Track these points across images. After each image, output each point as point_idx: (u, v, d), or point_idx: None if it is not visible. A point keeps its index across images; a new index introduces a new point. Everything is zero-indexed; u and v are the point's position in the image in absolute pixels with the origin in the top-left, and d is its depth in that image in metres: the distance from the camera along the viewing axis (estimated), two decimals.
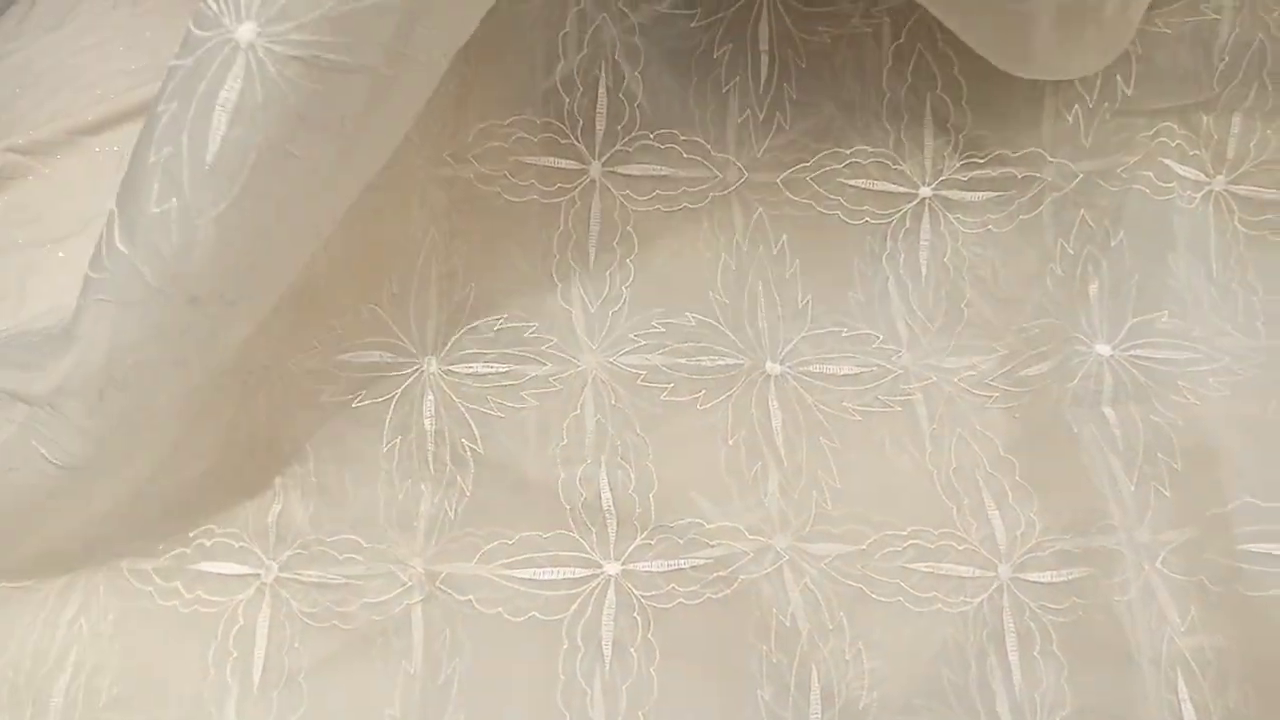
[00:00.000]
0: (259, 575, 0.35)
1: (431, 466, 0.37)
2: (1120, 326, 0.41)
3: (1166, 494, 0.38)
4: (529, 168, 0.41)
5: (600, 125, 0.41)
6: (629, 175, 0.41)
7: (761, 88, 0.42)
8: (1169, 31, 0.41)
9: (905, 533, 0.37)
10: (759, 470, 0.38)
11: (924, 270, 0.42)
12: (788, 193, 0.42)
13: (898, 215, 0.43)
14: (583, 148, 0.41)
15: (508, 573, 0.36)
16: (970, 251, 0.42)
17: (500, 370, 0.39)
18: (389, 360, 0.38)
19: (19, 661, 0.34)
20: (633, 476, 0.38)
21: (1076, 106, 0.43)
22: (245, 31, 0.26)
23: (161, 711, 0.34)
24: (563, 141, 0.41)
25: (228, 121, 0.27)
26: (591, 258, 0.41)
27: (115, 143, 0.44)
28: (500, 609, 0.35)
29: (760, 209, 0.42)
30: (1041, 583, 0.37)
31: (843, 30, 0.43)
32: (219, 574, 0.35)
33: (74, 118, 0.49)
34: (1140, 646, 0.36)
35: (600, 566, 0.36)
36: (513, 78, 0.41)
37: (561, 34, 0.41)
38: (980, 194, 0.43)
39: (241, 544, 0.36)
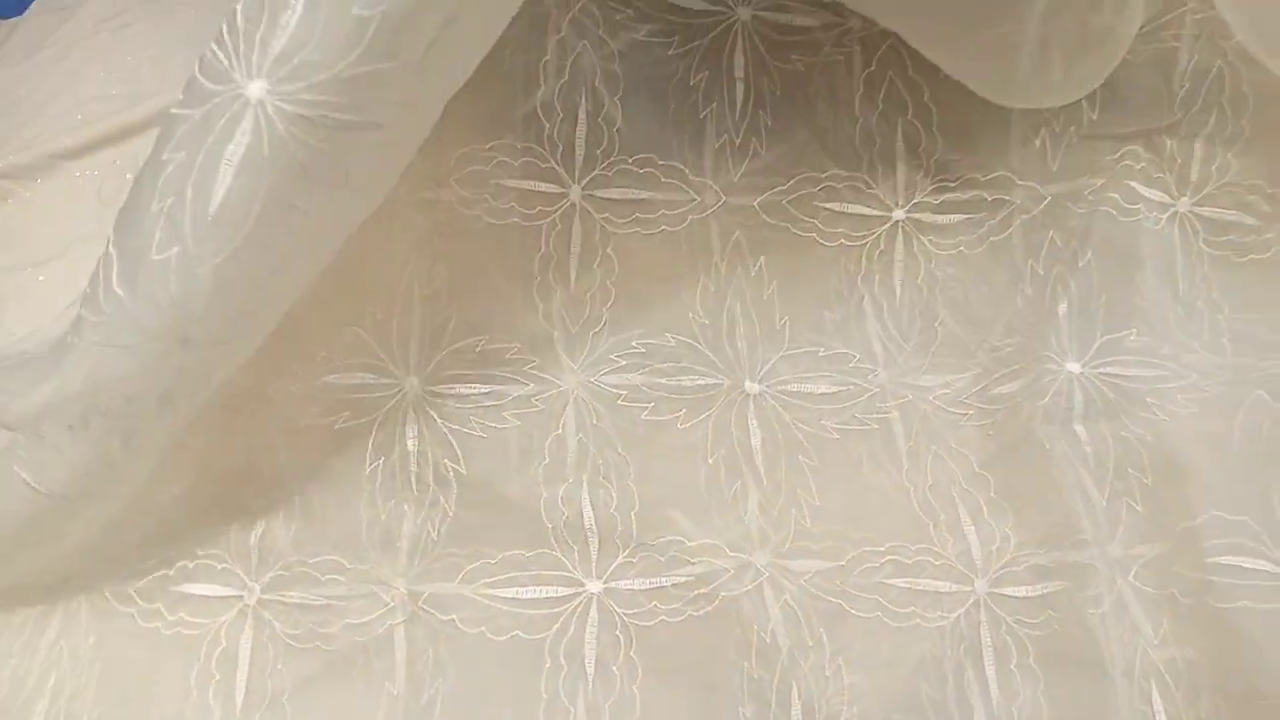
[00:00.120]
0: (241, 597, 0.35)
1: (414, 487, 0.37)
2: (1089, 345, 0.42)
3: (1137, 509, 0.39)
4: (509, 191, 0.41)
5: (580, 150, 0.42)
6: (608, 199, 0.42)
7: (737, 114, 0.43)
8: (1131, 58, 0.42)
9: (883, 549, 0.38)
10: (739, 488, 0.39)
11: (898, 291, 0.43)
12: (764, 216, 0.43)
13: (872, 237, 0.43)
14: (562, 172, 0.42)
15: (490, 592, 0.36)
16: (943, 272, 0.43)
17: (482, 391, 0.39)
18: (371, 382, 0.38)
19: None
20: (614, 495, 0.38)
21: (1043, 131, 0.43)
22: (256, 89, 0.26)
23: None
24: (543, 165, 0.41)
25: (233, 175, 0.27)
26: (572, 279, 0.41)
27: (95, 167, 0.44)
28: (483, 628, 0.35)
29: (738, 232, 0.43)
30: (1017, 597, 0.37)
31: (815, 58, 0.44)
32: (201, 595, 0.35)
33: (54, 142, 0.49)
34: (1114, 659, 0.36)
35: (582, 585, 0.36)
36: (492, 102, 0.41)
37: (541, 60, 0.42)
38: (952, 216, 0.44)
39: (224, 565, 0.36)
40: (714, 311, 0.42)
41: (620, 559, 0.37)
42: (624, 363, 0.40)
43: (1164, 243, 0.43)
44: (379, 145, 0.29)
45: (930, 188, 0.44)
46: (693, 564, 0.37)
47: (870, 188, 0.43)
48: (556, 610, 0.36)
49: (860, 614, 0.37)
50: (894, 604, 0.37)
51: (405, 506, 0.37)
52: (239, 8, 0.27)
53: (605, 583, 0.36)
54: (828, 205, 0.43)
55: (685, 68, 0.43)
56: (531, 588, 0.36)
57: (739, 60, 0.43)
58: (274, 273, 0.30)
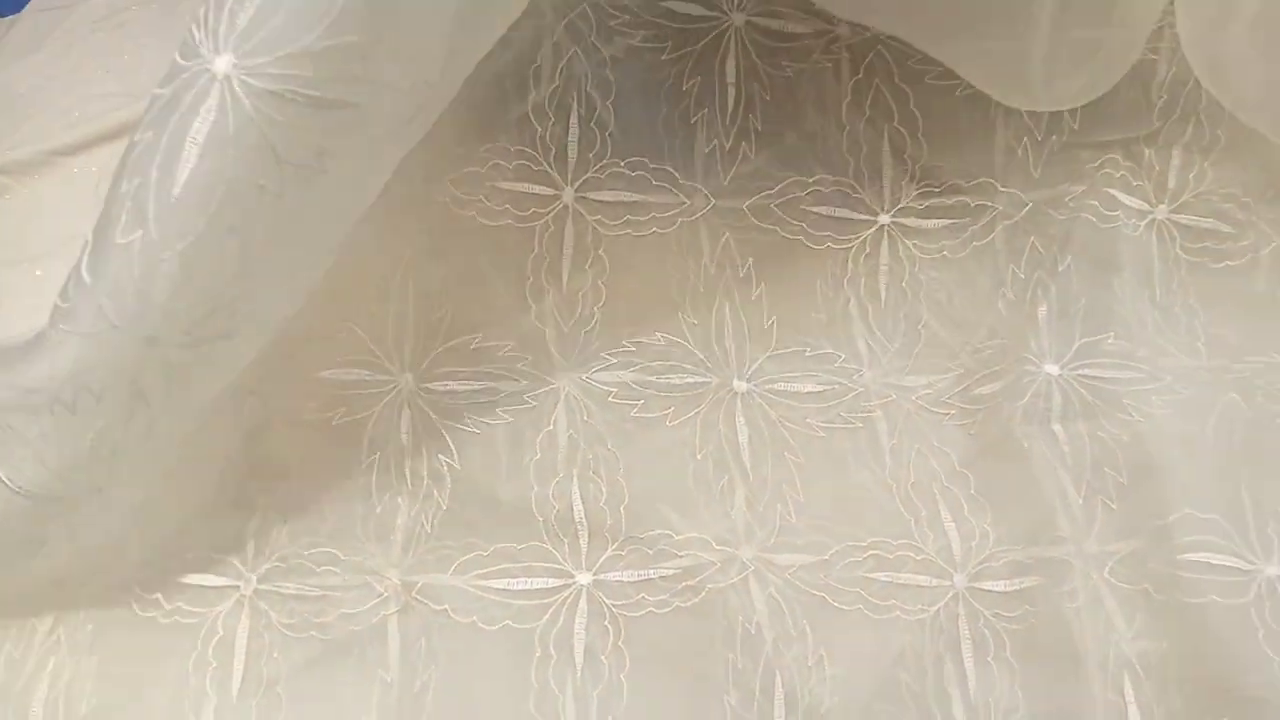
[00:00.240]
0: (238, 587, 0.36)
1: (409, 481, 0.38)
2: (1068, 347, 0.43)
3: (1113, 507, 0.40)
4: (503, 193, 0.42)
5: (573, 153, 0.43)
6: (600, 201, 0.43)
7: (728, 119, 0.44)
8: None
9: (865, 544, 0.39)
10: (726, 484, 0.39)
11: (883, 293, 0.44)
12: (753, 219, 0.44)
13: (858, 241, 0.44)
14: (555, 174, 0.43)
15: (482, 583, 0.36)
16: (927, 276, 0.44)
17: (475, 388, 0.40)
18: (367, 378, 0.39)
19: None
20: (604, 490, 0.39)
21: (1026, 139, 0.44)
22: (222, 63, 0.26)
23: (138, 716, 0.34)
24: (535, 168, 0.42)
25: (198, 154, 0.26)
26: (564, 280, 0.42)
27: (93, 164, 0.45)
28: (475, 618, 0.36)
29: (727, 234, 0.44)
30: (995, 591, 0.38)
31: (804, 65, 0.44)
32: (198, 585, 0.36)
33: (52, 139, 0.49)
34: (1088, 651, 0.37)
35: (572, 577, 0.37)
36: (487, 105, 0.42)
37: (535, 65, 0.43)
38: (936, 221, 0.44)
39: (220, 556, 0.36)
40: (703, 312, 0.42)
41: (609, 552, 0.37)
42: (615, 360, 0.41)
43: (1142, 249, 0.44)
44: (355, 127, 0.28)
45: (915, 193, 0.45)
46: (680, 557, 0.38)
47: (856, 192, 0.44)
48: (546, 601, 0.36)
49: (843, 606, 0.38)
50: (875, 597, 0.38)
51: (399, 500, 0.38)
52: None
53: (594, 575, 0.37)
54: (815, 209, 0.44)
55: (678, 73, 0.44)
56: (522, 579, 0.37)
57: (731, 66, 0.44)
58: (246, 266, 0.29)
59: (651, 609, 0.37)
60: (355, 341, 0.39)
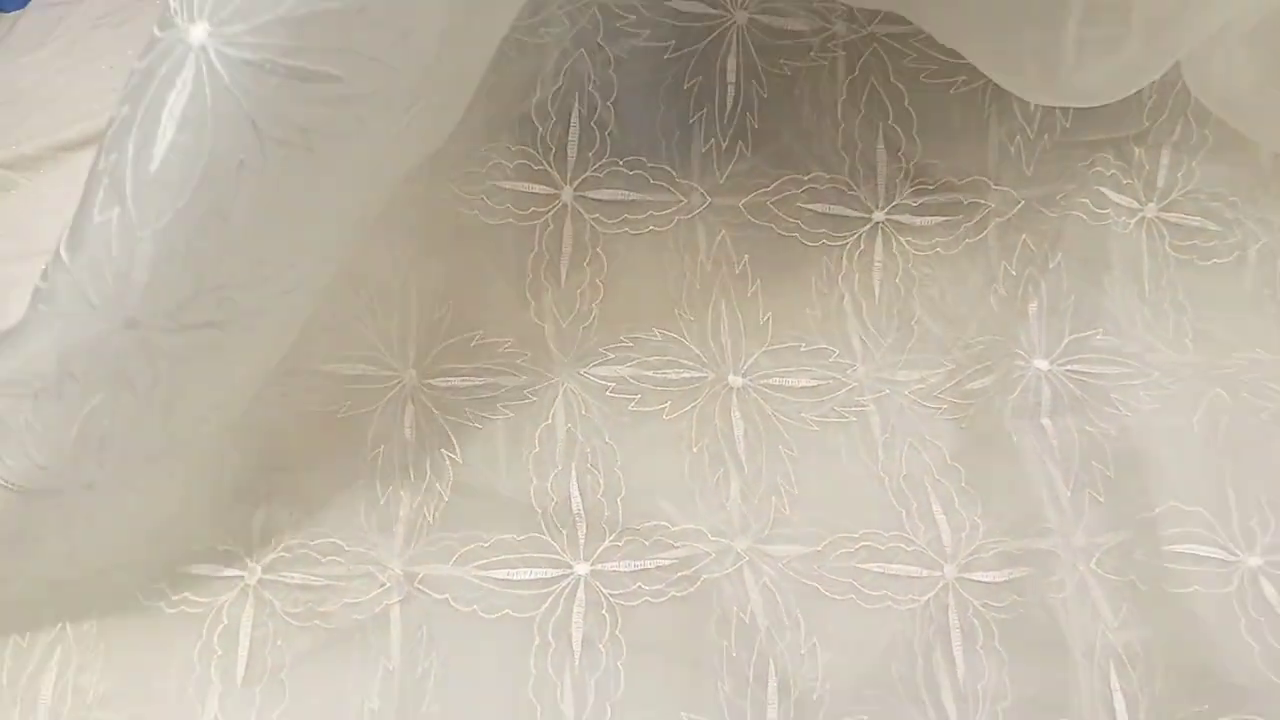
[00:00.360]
0: (243, 577, 0.37)
1: (411, 474, 0.39)
2: (1058, 343, 0.43)
3: (1100, 499, 0.40)
4: (504, 191, 0.43)
5: (572, 152, 0.43)
6: (599, 200, 0.43)
7: (726, 118, 0.44)
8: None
9: (858, 535, 0.39)
10: (721, 476, 0.40)
11: (877, 289, 0.44)
12: (749, 216, 0.44)
13: (852, 238, 0.45)
14: (555, 173, 0.43)
15: (482, 573, 0.37)
16: (920, 272, 0.45)
17: (477, 383, 0.41)
18: (371, 373, 0.40)
19: (1, 661, 0.35)
20: (601, 482, 0.40)
21: (1019, 138, 0.45)
22: (198, 33, 0.24)
23: (147, 708, 0.35)
24: (535, 167, 0.43)
25: (175, 128, 0.25)
26: (563, 277, 0.43)
27: None
28: (475, 607, 0.37)
29: (723, 231, 0.44)
30: (984, 582, 0.39)
31: (801, 63, 0.45)
32: (204, 575, 0.36)
33: (57, 134, 0.50)
34: (1075, 641, 0.38)
35: (570, 567, 0.38)
36: (490, 105, 0.42)
37: (539, 65, 0.43)
38: (929, 219, 0.45)
39: (226, 547, 0.37)
40: (699, 308, 0.43)
41: (607, 542, 0.38)
42: (612, 356, 0.42)
43: (1132, 246, 0.45)
44: (339, 102, 0.27)
45: (909, 191, 0.45)
46: (676, 548, 0.39)
47: (852, 190, 0.45)
48: (545, 590, 0.37)
49: (835, 596, 0.38)
50: (867, 587, 0.39)
51: (402, 492, 0.38)
52: None
53: (592, 565, 0.38)
54: (810, 206, 0.45)
55: (679, 72, 0.44)
56: (522, 569, 0.37)
57: (732, 64, 0.44)
58: (230, 248, 0.28)
59: (648, 598, 0.37)
60: (359, 337, 0.40)
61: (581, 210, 0.43)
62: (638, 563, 0.38)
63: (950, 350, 0.44)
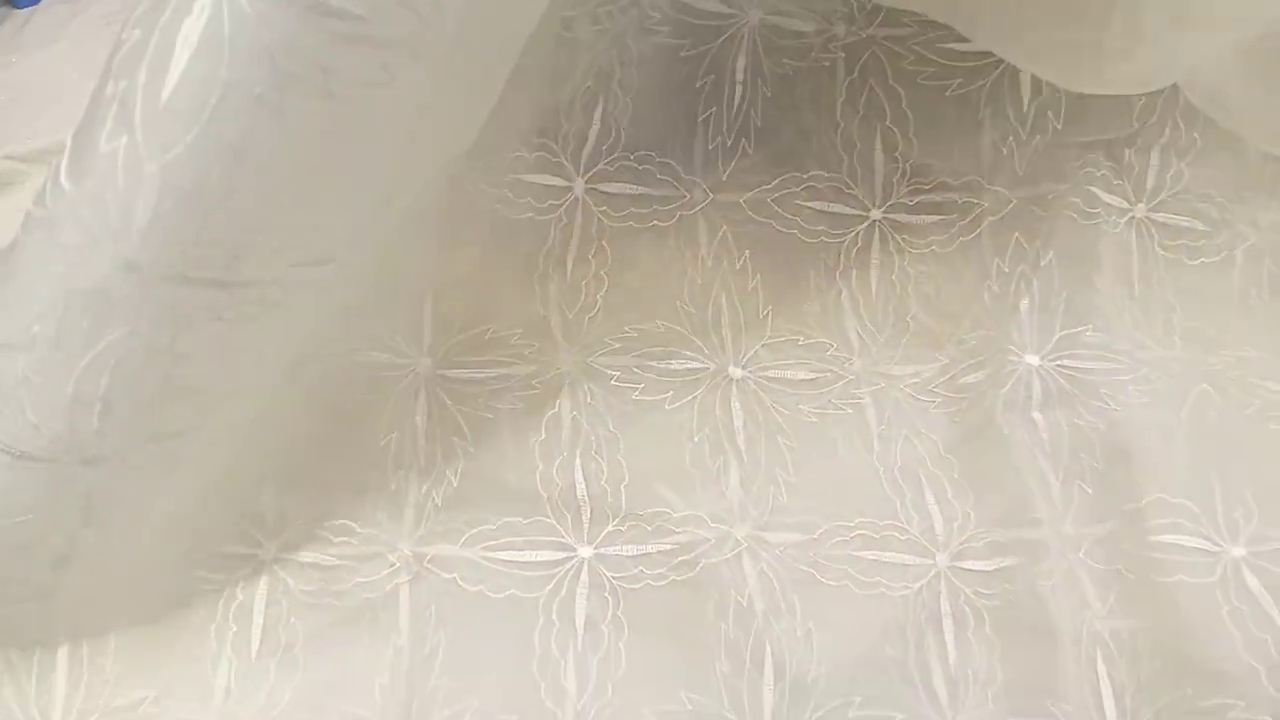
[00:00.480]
0: (257, 554, 0.38)
1: (421, 460, 0.40)
2: (1049, 339, 0.44)
3: (1089, 491, 0.41)
4: (525, 184, 0.43)
5: (589, 146, 0.44)
6: (607, 193, 0.44)
7: (732, 116, 0.45)
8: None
9: (853, 523, 0.40)
10: (721, 465, 0.41)
11: (874, 286, 0.45)
12: (750, 212, 0.45)
13: (850, 235, 0.46)
14: (570, 166, 0.44)
15: (489, 554, 0.38)
16: (916, 269, 0.45)
17: (489, 375, 0.41)
18: (386, 360, 0.41)
19: None
20: (605, 469, 0.40)
21: (1011, 139, 0.46)
22: None
23: (161, 675, 0.35)
24: (553, 160, 0.44)
25: (189, 55, 0.24)
26: (569, 269, 0.43)
27: None
28: (482, 587, 0.38)
29: (724, 227, 0.45)
30: (975, 570, 0.40)
31: (803, 62, 0.45)
32: (218, 553, 0.37)
33: (70, 129, 0.51)
34: (1063, 628, 0.38)
35: (574, 550, 0.39)
36: (518, 97, 0.42)
37: (572, 60, 0.43)
38: (925, 217, 0.46)
39: (240, 527, 0.38)
40: (700, 302, 0.44)
41: (610, 527, 0.39)
42: (617, 346, 0.43)
43: (1121, 245, 0.46)
44: (363, 44, 0.26)
45: (906, 190, 0.46)
46: (677, 533, 0.40)
47: (850, 189, 0.46)
48: (550, 572, 0.38)
49: (830, 582, 0.39)
50: (862, 574, 0.40)
51: (411, 476, 0.39)
52: None
53: (596, 548, 0.39)
54: (810, 204, 0.46)
55: (693, 70, 0.45)
56: (527, 551, 0.38)
57: (741, 63, 0.45)
58: (242, 192, 0.26)
59: (649, 582, 0.38)
60: (376, 326, 0.41)
61: (591, 203, 0.44)
62: (640, 547, 0.39)
63: (944, 345, 0.45)
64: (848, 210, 0.46)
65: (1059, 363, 0.44)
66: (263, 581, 0.37)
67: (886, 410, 0.43)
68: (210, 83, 0.24)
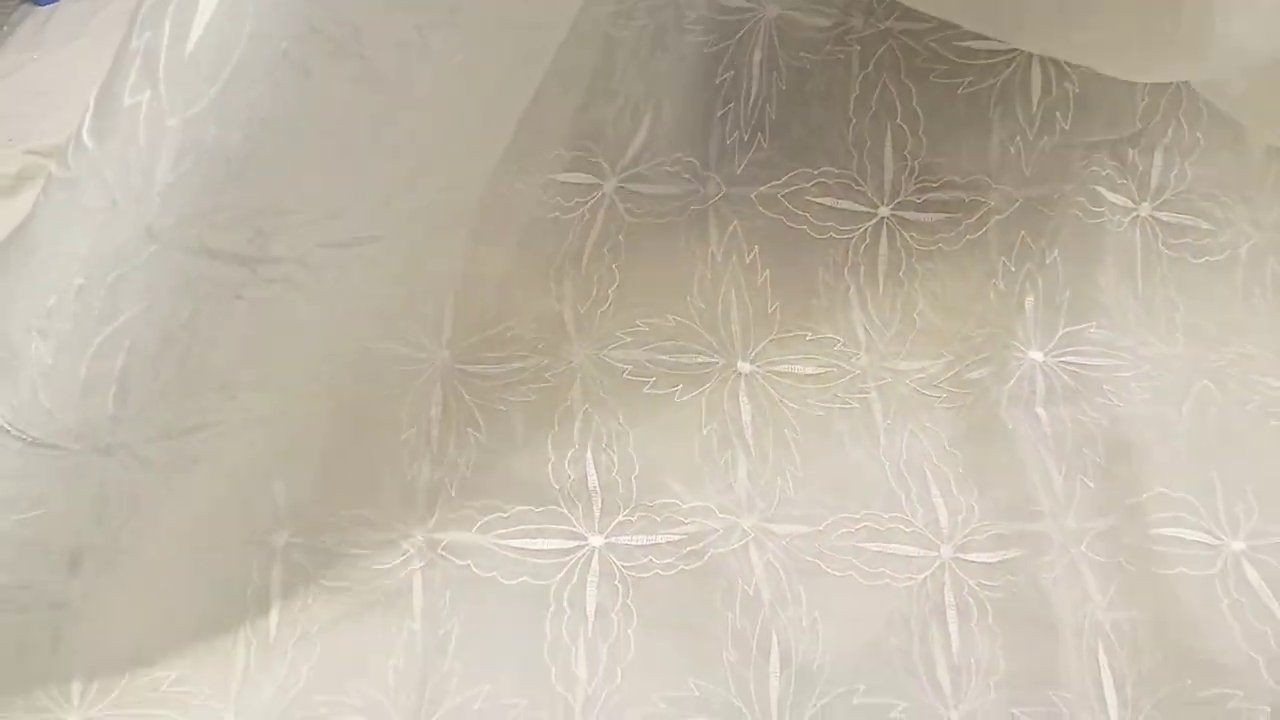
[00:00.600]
0: (273, 541, 0.38)
1: (434, 449, 0.40)
2: (1052, 335, 0.45)
3: (1091, 485, 0.42)
4: (557, 184, 0.44)
5: (633, 147, 0.44)
6: (636, 192, 0.44)
7: (748, 110, 0.45)
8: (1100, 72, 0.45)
9: (859, 516, 0.41)
10: (729, 458, 0.42)
11: (881, 282, 0.46)
12: (760, 208, 0.46)
13: (859, 232, 0.46)
14: (605, 165, 0.44)
15: (503, 542, 0.39)
16: (923, 266, 0.46)
17: (505, 369, 0.42)
18: (405, 354, 0.41)
19: None
20: (616, 461, 0.41)
21: (1019, 139, 0.46)
22: None
23: (181, 658, 0.36)
24: (591, 160, 0.44)
25: (215, 6, 0.23)
26: (584, 263, 0.44)
27: None
28: (495, 573, 0.38)
29: (735, 222, 0.46)
30: (979, 562, 0.40)
31: (818, 56, 0.46)
32: (236, 539, 0.38)
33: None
34: (1065, 619, 0.39)
35: (585, 539, 0.39)
36: (557, 98, 0.42)
37: (611, 60, 0.43)
38: (933, 215, 0.46)
39: (258, 514, 0.38)
40: (710, 297, 0.45)
41: (620, 517, 0.40)
42: (629, 340, 0.43)
43: (1126, 244, 0.46)
44: (397, 5, 0.25)
45: (914, 188, 0.47)
46: (686, 524, 0.40)
47: (859, 185, 0.46)
48: (562, 560, 0.39)
49: (836, 573, 0.40)
50: (867, 565, 0.40)
51: (425, 466, 0.40)
52: None
53: (606, 538, 0.40)
54: (819, 200, 0.46)
55: (714, 66, 0.45)
56: (539, 539, 0.39)
57: (757, 57, 0.45)
58: (264, 157, 0.25)
59: (658, 571, 0.39)
60: (398, 318, 0.41)
61: (618, 201, 0.44)
62: (649, 537, 0.40)
63: (950, 342, 0.45)
64: (856, 207, 0.46)
65: (1063, 359, 0.45)
66: (280, 568, 0.38)
67: (892, 405, 0.44)
68: (235, 36, 0.24)
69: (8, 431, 0.27)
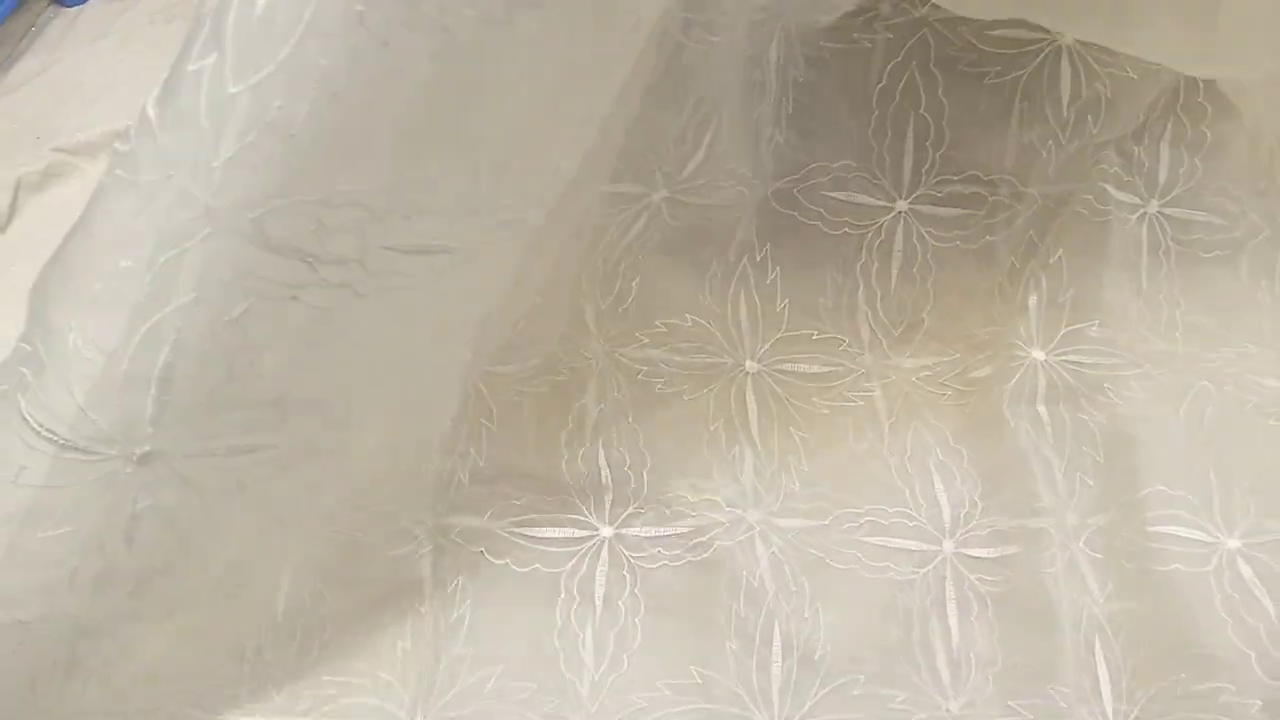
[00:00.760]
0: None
1: (448, 439, 0.42)
2: (1054, 334, 0.45)
3: (1090, 482, 0.42)
4: (605, 195, 0.43)
5: (691, 161, 0.43)
6: (684, 202, 0.44)
7: (770, 105, 0.45)
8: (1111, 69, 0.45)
9: (862, 510, 0.42)
10: (736, 453, 0.43)
11: (893, 279, 0.46)
12: (774, 204, 0.46)
13: (874, 227, 0.47)
14: (659, 176, 0.44)
15: (515, 530, 0.40)
16: (935, 263, 0.46)
17: (527, 367, 0.43)
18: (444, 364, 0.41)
19: None
20: (627, 456, 0.42)
21: (1034, 135, 0.46)
22: None
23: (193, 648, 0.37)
24: (645, 171, 0.43)
25: None
26: (613, 265, 0.45)
27: None
28: (507, 560, 0.40)
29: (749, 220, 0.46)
30: (979, 557, 0.41)
31: (841, 44, 0.45)
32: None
33: (115, 123, 0.54)
34: (1063, 613, 0.40)
35: (596, 530, 0.41)
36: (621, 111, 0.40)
37: (678, 73, 0.41)
38: (950, 210, 0.47)
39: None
40: (720, 296, 0.46)
41: (630, 509, 0.41)
42: (646, 340, 0.45)
43: (1132, 241, 0.46)
44: None
45: (935, 180, 0.47)
46: (693, 517, 0.41)
47: (877, 179, 0.46)
48: (572, 549, 0.40)
49: (839, 566, 0.41)
50: (870, 558, 0.41)
51: (445, 459, 0.41)
52: None
53: (616, 529, 0.41)
54: (835, 194, 0.46)
55: (752, 70, 0.44)
56: (551, 529, 0.41)
57: (774, 50, 0.44)
58: (329, 136, 0.23)
59: (665, 562, 0.40)
60: (452, 339, 0.40)
61: (664, 208, 0.44)
62: (658, 529, 0.41)
63: (955, 341, 0.46)
64: (873, 201, 0.47)
65: (1064, 358, 0.45)
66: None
67: (896, 402, 0.45)
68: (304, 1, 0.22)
69: (38, 433, 0.25)
